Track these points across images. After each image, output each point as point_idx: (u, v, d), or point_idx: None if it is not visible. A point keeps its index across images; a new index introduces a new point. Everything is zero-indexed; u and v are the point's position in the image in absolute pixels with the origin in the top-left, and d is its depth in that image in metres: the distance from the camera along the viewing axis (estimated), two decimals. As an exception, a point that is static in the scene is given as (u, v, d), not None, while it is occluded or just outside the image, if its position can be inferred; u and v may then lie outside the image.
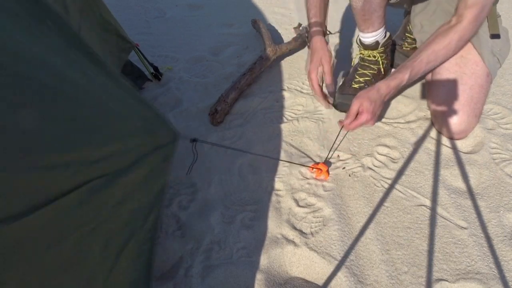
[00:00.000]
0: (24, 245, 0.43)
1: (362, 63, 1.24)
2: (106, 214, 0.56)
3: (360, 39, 1.22)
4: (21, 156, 0.43)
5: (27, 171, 0.43)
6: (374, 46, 1.19)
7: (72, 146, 0.50)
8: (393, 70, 1.36)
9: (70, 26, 0.62)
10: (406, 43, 1.39)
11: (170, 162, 0.73)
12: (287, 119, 1.24)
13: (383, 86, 1.00)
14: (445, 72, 1.09)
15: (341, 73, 1.45)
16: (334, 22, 1.87)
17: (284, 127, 1.21)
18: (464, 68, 1.07)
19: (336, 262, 0.82)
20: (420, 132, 1.15)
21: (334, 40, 1.70)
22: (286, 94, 1.36)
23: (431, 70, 1.08)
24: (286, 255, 0.85)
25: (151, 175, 0.67)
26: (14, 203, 0.42)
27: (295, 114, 1.27)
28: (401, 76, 1.00)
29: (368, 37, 1.18)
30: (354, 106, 0.99)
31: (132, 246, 0.63)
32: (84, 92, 0.56)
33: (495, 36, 1.09)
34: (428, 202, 0.94)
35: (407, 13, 1.32)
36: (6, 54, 0.45)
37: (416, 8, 1.21)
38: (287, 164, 1.07)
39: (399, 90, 1.12)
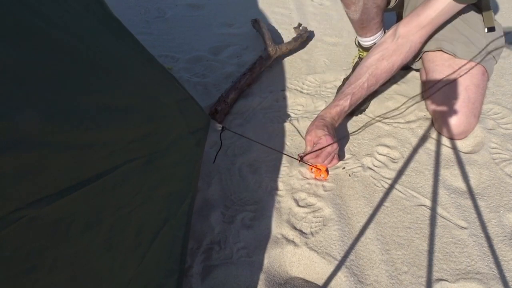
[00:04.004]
0: (58, 228, 0.43)
1: (362, 63, 1.24)
2: (141, 199, 0.55)
3: (358, 42, 1.22)
4: (58, 131, 0.41)
5: (65, 148, 0.42)
6: None
7: (109, 123, 0.49)
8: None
9: (109, 10, 0.61)
10: None
11: (202, 147, 0.72)
12: (287, 119, 1.24)
13: (326, 114, 1.00)
14: (439, 75, 1.09)
15: (341, 73, 1.45)
16: (334, 22, 1.87)
17: (284, 127, 1.21)
18: (458, 70, 1.07)
19: (336, 262, 0.82)
20: (420, 132, 1.15)
21: (335, 40, 1.70)
22: (286, 94, 1.36)
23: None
24: (286, 255, 0.85)
25: (185, 160, 0.66)
26: (50, 184, 0.41)
27: (295, 114, 1.27)
28: (342, 103, 1.00)
29: (367, 41, 1.18)
30: (309, 138, 0.96)
31: (166, 232, 0.62)
32: (121, 69, 0.54)
33: (491, 29, 1.08)
34: (428, 202, 0.94)
35: (399, 16, 1.32)
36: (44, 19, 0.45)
37: (407, 11, 1.21)
38: (287, 164, 1.07)
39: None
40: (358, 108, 1.19)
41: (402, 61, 1.00)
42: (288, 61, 1.56)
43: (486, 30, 1.07)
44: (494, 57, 1.11)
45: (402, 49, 0.98)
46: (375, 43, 1.17)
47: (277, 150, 1.09)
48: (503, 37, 1.14)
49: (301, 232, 0.89)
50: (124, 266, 0.53)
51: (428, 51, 1.12)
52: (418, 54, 1.10)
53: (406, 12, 1.19)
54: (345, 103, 1.00)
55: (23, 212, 0.38)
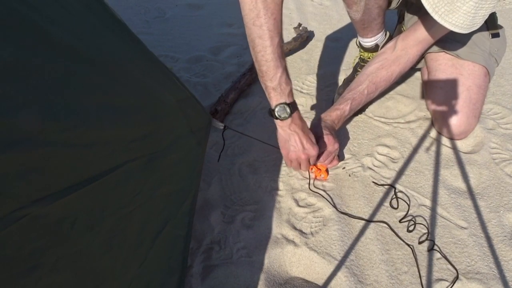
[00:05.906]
0: (60, 228, 0.43)
1: (362, 63, 1.24)
2: (142, 198, 0.56)
3: (359, 42, 1.22)
4: (60, 130, 0.41)
5: (66, 147, 0.42)
6: (374, 49, 1.19)
7: (110, 123, 0.49)
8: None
9: (111, 9, 0.61)
10: None
11: (204, 146, 0.72)
12: (287, 119, 1.24)
13: (326, 117, 1.00)
14: (442, 74, 1.09)
15: (341, 73, 1.45)
16: (334, 22, 1.87)
17: (284, 127, 1.20)
18: (461, 69, 1.07)
19: (336, 262, 0.82)
20: (420, 132, 1.15)
21: (335, 40, 1.71)
22: (286, 94, 1.35)
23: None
24: (286, 255, 0.85)
25: (187, 159, 0.66)
26: (52, 183, 0.41)
27: (295, 114, 1.26)
28: (342, 107, 1.01)
29: (368, 42, 1.18)
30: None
31: (168, 232, 0.63)
32: (122, 69, 0.54)
33: (495, 35, 1.09)
34: (428, 202, 0.94)
35: (401, 15, 1.32)
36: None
37: (408, 24, 1.21)
38: (287, 164, 1.07)
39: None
40: (359, 111, 1.20)
41: (400, 70, 1.02)
42: (288, 61, 1.55)
43: (490, 36, 1.09)
44: (496, 60, 1.11)
45: (400, 60, 1.01)
46: (376, 44, 1.18)
47: (278, 147, 1.09)
48: (506, 40, 1.14)
49: (301, 232, 0.89)
50: (126, 265, 0.53)
51: (431, 52, 1.12)
52: (420, 57, 1.11)
53: (407, 26, 1.20)
54: (346, 108, 1.01)
55: (25, 211, 0.38)
